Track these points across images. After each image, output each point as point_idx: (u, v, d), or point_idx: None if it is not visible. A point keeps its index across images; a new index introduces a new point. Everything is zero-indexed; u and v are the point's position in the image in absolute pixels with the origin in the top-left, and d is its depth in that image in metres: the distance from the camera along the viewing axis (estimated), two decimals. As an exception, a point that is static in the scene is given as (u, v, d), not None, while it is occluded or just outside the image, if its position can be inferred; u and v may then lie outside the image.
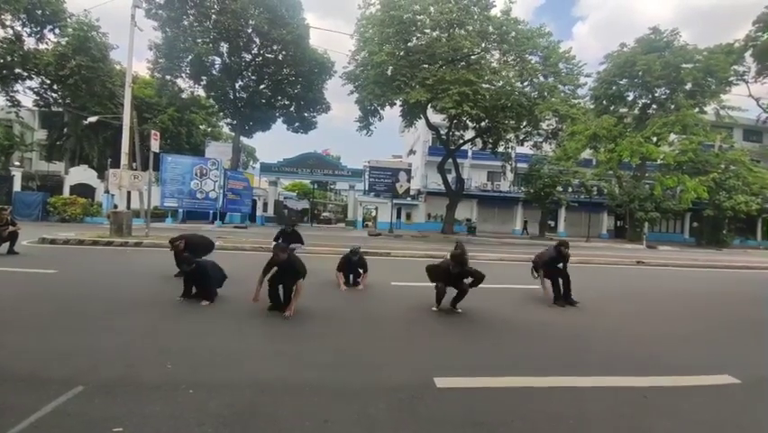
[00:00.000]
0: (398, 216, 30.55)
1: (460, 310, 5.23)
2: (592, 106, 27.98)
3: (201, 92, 28.56)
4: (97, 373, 2.86)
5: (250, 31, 24.24)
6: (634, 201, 25.00)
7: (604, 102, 28.06)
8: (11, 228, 8.58)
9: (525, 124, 22.36)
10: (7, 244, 8.50)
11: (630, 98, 27.81)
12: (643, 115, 27.34)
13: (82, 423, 2.26)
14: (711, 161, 24.83)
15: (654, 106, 27.22)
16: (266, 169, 30.84)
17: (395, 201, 29.09)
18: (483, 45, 20.68)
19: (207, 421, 2.30)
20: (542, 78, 20.83)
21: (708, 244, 26.73)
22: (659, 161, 25.00)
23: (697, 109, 24.93)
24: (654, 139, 24.53)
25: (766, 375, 3.62)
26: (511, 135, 23.56)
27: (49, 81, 24.54)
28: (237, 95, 27.61)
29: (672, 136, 25.12)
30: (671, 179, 23.55)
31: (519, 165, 28.68)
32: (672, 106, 25.39)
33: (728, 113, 26.09)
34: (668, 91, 26.17)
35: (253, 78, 27.75)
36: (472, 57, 20.77)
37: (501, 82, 20.18)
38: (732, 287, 9.28)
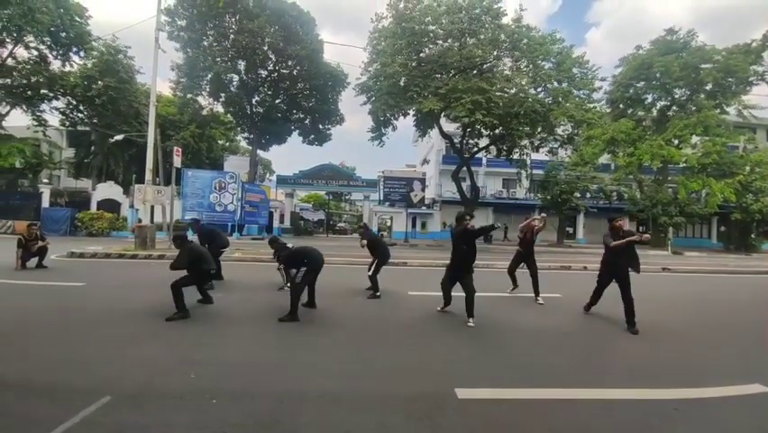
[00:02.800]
0: (413, 226, 30.49)
1: (471, 324, 4.89)
2: (608, 110, 27.51)
3: (220, 108, 29.49)
4: (124, 384, 2.94)
5: (266, 48, 24.94)
6: (656, 206, 24.24)
7: (621, 105, 27.55)
8: (40, 243, 8.90)
9: (539, 130, 22.14)
10: (36, 258, 8.80)
11: (648, 101, 27.19)
12: (662, 118, 26.67)
13: (110, 432, 2.32)
14: (737, 162, 23.94)
15: (675, 108, 26.55)
16: (282, 181, 31.39)
17: (410, 211, 29.06)
18: (495, 53, 20.74)
19: (230, 431, 2.34)
20: (555, 84, 20.67)
21: (737, 249, 25.63)
22: (681, 164, 24.27)
23: (719, 110, 24.21)
24: (676, 141, 23.87)
25: (803, 385, 3.43)
26: (526, 142, 23.33)
27: (75, 102, 25.71)
28: (254, 110, 28.34)
29: (695, 138, 24.41)
30: (695, 183, 22.80)
31: (535, 172, 28.28)
32: (693, 108, 24.72)
33: (751, 113, 25.24)
34: (688, 92, 25.52)
35: (269, 93, 28.46)
36: (485, 65, 20.83)
37: (514, 89, 20.11)
38: (762, 293, 8.87)
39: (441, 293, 5.55)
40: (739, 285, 10.05)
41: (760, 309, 6.99)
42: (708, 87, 24.56)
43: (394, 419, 2.56)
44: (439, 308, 5.60)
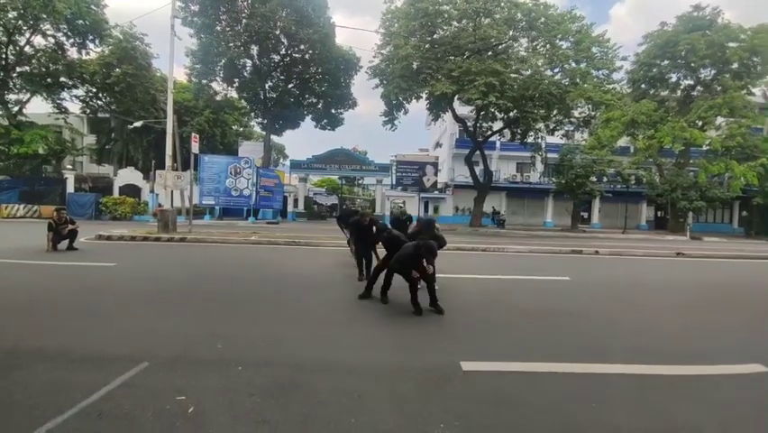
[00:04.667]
0: (426, 210, 30.58)
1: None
2: (629, 91, 26.63)
3: (234, 94, 29.74)
4: (159, 352, 3.24)
5: (278, 32, 24.89)
6: (676, 190, 23.65)
7: (643, 86, 26.61)
8: (70, 227, 9.32)
9: (555, 112, 21.70)
10: (67, 241, 9.24)
11: (672, 80, 26.17)
12: (686, 99, 25.70)
13: (149, 393, 2.60)
14: (760, 145, 23.07)
15: (700, 88, 25.53)
16: (296, 166, 31.73)
17: (422, 195, 29.11)
18: (511, 33, 20.26)
19: (256, 393, 2.60)
20: (573, 64, 20.11)
21: (758, 235, 24.94)
22: (704, 147, 23.52)
23: (744, 91, 23.22)
24: (699, 123, 23.07)
25: (803, 366, 3.50)
26: (541, 125, 22.93)
27: (95, 89, 26.29)
28: (267, 95, 28.49)
29: (719, 120, 23.53)
30: (716, 166, 22.12)
31: (550, 155, 27.84)
32: (719, 88, 23.75)
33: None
34: (714, 72, 24.48)
35: (282, 77, 28.52)
36: (500, 46, 20.39)
37: (530, 71, 19.68)
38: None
39: (450, 275, 5.75)
40: (753, 271, 9.92)
41: (766, 294, 6.96)
42: (734, 66, 23.50)
43: (404, 387, 2.78)
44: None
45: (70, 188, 24.85)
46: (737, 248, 15.03)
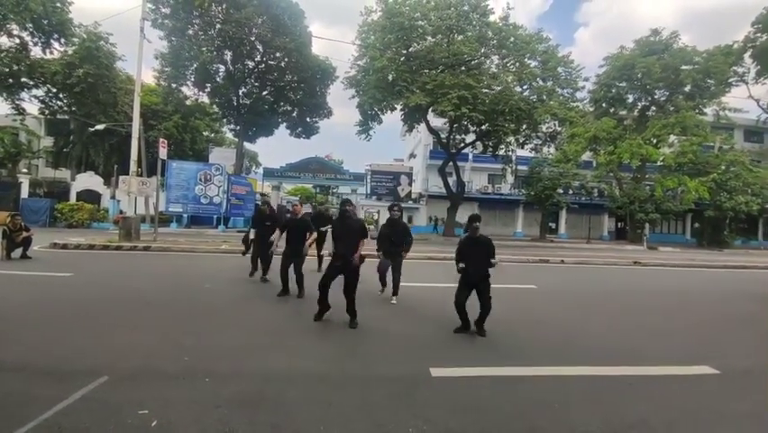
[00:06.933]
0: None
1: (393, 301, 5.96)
2: (591, 109, 28.18)
3: (205, 99, 28.97)
4: (120, 366, 3.11)
5: (253, 39, 24.61)
6: (634, 203, 25.12)
7: (603, 105, 28.24)
8: (24, 234, 8.84)
9: (524, 127, 22.61)
10: (20, 249, 8.73)
11: (630, 101, 27.96)
12: (642, 118, 27.51)
13: (110, 407, 2.50)
14: (711, 161, 24.95)
15: (654, 108, 27.40)
16: (269, 174, 31.24)
17: (397, 204, 29.23)
18: (482, 50, 21.06)
19: (223, 405, 2.55)
20: (540, 82, 21.12)
21: (710, 245, 26.75)
22: (659, 163, 25.14)
23: (696, 111, 25.10)
24: (654, 141, 24.68)
25: (746, 367, 3.80)
26: (511, 138, 23.80)
27: (55, 90, 24.95)
28: (240, 101, 27.98)
29: (672, 138, 25.28)
30: (671, 180, 23.68)
31: (520, 168, 28.87)
32: (672, 108, 25.57)
33: (727, 114, 26.25)
34: (667, 93, 26.36)
35: (256, 84, 28.12)
36: (472, 62, 21.12)
37: (500, 87, 20.49)
38: (725, 285, 9.47)
39: (423, 284, 5.85)
40: (703, 279, 10.65)
41: (722, 299, 7.49)
42: (687, 88, 25.41)
43: (374, 394, 2.81)
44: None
45: (25, 192, 23.33)
46: (690, 258, 16.08)
